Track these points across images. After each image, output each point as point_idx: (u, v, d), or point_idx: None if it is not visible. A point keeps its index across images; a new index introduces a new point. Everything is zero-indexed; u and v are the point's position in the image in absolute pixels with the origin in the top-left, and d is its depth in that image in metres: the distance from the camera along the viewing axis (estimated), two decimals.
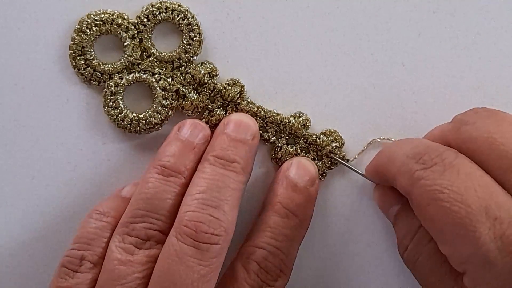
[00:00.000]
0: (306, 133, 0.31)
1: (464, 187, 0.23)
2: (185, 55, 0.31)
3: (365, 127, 0.32)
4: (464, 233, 0.22)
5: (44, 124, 0.31)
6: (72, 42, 0.30)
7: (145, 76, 0.31)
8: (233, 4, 0.31)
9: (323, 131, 0.31)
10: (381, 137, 0.31)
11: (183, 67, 0.31)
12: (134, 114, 0.31)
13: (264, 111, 0.31)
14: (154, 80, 0.31)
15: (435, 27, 0.32)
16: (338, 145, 0.31)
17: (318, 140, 0.31)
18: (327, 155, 0.31)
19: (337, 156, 0.31)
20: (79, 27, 0.30)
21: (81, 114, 0.31)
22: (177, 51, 0.31)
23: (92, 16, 0.30)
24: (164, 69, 0.31)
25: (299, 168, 0.30)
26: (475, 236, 0.22)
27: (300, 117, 0.31)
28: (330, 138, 0.31)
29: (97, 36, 0.30)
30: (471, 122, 0.25)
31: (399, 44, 0.32)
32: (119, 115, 0.31)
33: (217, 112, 0.31)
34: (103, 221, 0.29)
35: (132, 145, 0.32)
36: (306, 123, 0.31)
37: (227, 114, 0.31)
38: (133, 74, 0.31)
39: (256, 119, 0.31)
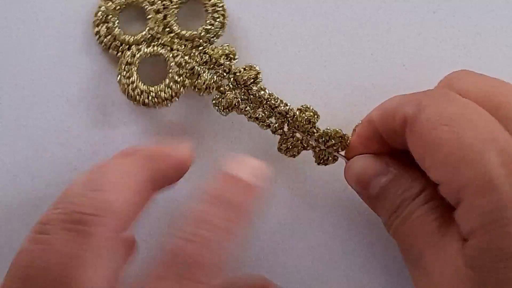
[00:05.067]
0: (309, 127, 0.30)
1: (474, 117, 0.23)
2: (206, 34, 0.31)
3: None
4: (472, 157, 0.22)
5: (44, 124, 0.31)
6: (98, 9, 0.31)
7: (162, 50, 0.31)
8: (233, 4, 0.31)
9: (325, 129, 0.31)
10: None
11: (201, 47, 0.31)
12: (146, 87, 0.31)
13: (274, 99, 0.30)
14: (171, 55, 0.31)
15: (435, 27, 0.32)
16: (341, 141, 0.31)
17: (319, 132, 0.30)
18: (330, 147, 0.31)
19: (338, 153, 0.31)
20: None
21: (81, 114, 0.31)
22: (199, 30, 0.31)
23: None
24: (183, 46, 0.31)
25: (241, 163, 0.27)
26: (483, 159, 0.22)
27: (306, 111, 0.31)
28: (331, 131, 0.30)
29: (124, 6, 0.31)
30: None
31: (399, 44, 0.32)
32: (131, 85, 0.30)
33: (229, 95, 0.31)
34: None
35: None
36: (312, 119, 0.30)
37: (237, 96, 0.30)
38: (151, 47, 0.31)
39: (265, 107, 0.30)
